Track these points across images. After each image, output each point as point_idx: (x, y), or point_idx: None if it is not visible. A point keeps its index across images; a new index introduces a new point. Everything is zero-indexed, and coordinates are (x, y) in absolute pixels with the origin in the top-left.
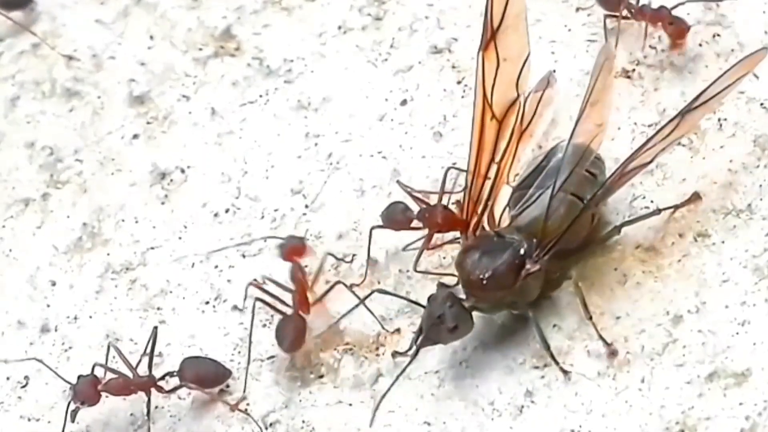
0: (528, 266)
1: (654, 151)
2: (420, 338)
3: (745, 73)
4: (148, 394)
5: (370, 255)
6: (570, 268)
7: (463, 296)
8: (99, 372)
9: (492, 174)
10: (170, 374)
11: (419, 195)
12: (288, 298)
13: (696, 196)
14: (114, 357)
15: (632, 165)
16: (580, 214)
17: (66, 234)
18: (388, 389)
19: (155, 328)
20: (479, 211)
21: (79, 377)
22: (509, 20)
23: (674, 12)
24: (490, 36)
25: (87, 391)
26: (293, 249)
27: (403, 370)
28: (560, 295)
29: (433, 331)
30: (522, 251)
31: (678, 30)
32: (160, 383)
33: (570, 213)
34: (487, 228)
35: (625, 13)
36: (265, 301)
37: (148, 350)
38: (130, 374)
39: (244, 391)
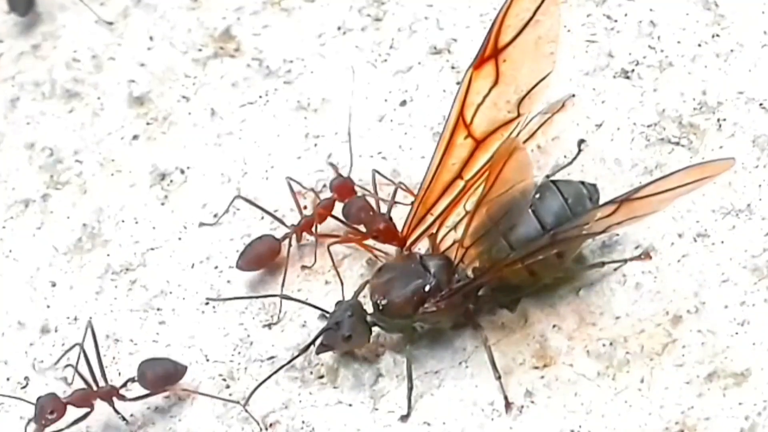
0: (427, 305)
1: (586, 229)
2: (317, 342)
3: (702, 178)
4: (111, 404)
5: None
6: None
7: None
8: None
9: (453, 192)
10: (131, 380)
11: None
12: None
13: (646, 255)
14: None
15: (564, 235)
16: (505, 265)
17: (66, 235)
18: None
19: (92, 338)
20: (423, 229)
21: (39, 398)
22: (530, 38)
23: None
24: (489, 54)
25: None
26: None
27: (284, 365)
28: (561, 295)
29: (329, 336)
30: (427, 288)
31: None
32: (122, 391)
33: (498, 261)
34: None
35: None
36: (250, 202)
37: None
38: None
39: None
